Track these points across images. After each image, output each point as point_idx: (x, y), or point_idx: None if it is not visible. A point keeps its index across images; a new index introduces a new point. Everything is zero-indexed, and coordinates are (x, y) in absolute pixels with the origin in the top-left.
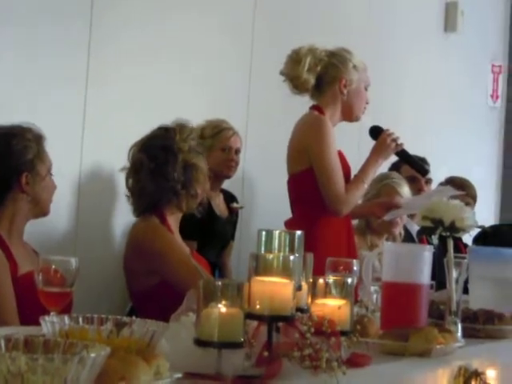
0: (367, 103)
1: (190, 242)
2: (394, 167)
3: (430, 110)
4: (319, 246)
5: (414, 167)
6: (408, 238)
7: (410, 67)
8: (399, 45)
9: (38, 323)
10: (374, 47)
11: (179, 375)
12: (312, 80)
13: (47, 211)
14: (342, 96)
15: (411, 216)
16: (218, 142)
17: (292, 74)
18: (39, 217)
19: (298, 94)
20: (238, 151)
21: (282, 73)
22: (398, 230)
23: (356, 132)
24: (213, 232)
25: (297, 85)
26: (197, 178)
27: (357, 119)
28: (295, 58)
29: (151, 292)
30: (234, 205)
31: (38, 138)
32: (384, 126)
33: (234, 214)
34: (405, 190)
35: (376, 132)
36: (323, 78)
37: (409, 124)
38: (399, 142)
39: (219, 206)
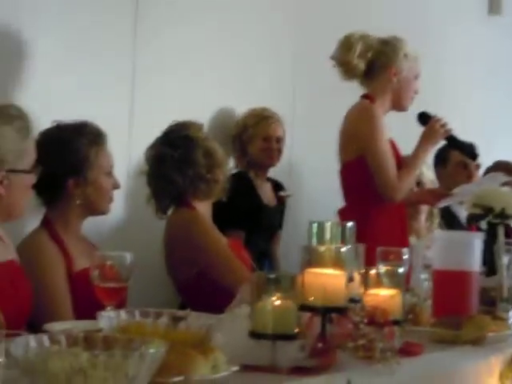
0: (416, 93)
1: (239, 232)
2: (442, 153)
3: (475, 93)
4: (373, 234)
5: (463, 152)
6: (455, 223)
7: (452, 50)
8: (440, 26)
9: (92, 318)
10: (415, 28)
11: (236, 368)
12: (362, 66)
13: (104, 211)
14: (392, 84)
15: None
16: (258, 131)
17: (343, 59)
18: (98, 215)
19: (347, 80)
20: (279, 139)
21: (332, 57)
22: (424, 217)
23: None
24: (261, 221)
25: (347, 70)
26: (217, 163)
27: (404, 109)
28: (346, 44)
29: (193, 281)
30: (282, 193)
31: (93, 141)
32: (426, 109)
33: (281, 202)
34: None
35: (424, 118)
36: (374, 66)
37: (452, 107)
38: (448, 127)
39: (266, 194)
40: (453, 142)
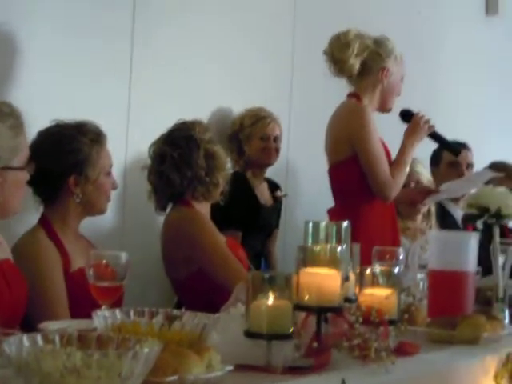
0: (399, 95)
1: (235, 232)
2: (436, 153)
3: (471, 93)
4: (364, 234)
5: (446, 148)
6: (451, 223)
7: (449, 51)
8: (437, 27)
9: (88, 317)
10: (410, 28)
11: (231, 367)
12: (357, 66)
13: (102, 210)
14: (382, 86)
15: (455, 200)
16: (256, 130)
17: (339, 57)
18: (95, 215)
19: (338, 77)
20: (276, 139)
21: (326, 53)
22: (421, 217)
23: None
24: (258, 221)
25: (341, 69)
26: (218, 166)
27: (389, 110)
28: (343, 42)
29: (191, 280)
30: (278, 193)
31: (94, 140)
32: (418, 107)
33: (278, 202)
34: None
35: (407, 115)
36: (366, 66)
37: (444, 105)
38: (431, 123)
39: (263, 194)
40: (436, 139)
